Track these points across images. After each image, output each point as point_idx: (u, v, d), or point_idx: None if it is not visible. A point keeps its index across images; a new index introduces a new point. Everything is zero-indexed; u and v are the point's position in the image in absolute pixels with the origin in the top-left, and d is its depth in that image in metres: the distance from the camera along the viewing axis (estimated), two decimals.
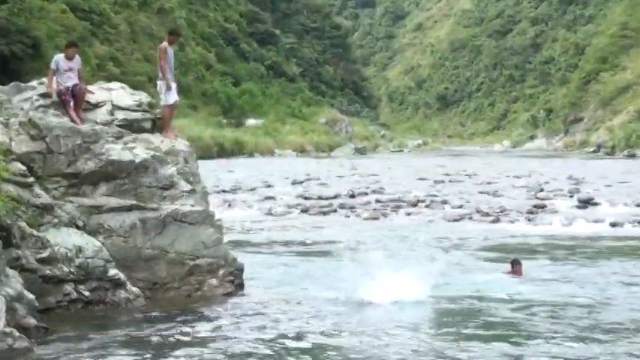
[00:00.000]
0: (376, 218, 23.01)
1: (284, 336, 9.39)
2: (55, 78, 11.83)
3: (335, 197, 27.08)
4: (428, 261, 11.92)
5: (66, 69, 11.86)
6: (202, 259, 11.61)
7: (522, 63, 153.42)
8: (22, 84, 12.26)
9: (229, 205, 25.20)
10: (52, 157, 11.16)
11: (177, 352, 8.66)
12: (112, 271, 10.69)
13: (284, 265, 14.89)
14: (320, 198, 26.98)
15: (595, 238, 18.73)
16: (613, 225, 20.54)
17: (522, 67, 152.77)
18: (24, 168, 10.61)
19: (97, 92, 12.36)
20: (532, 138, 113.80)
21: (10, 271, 9.09)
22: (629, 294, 12.05)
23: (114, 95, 12.44)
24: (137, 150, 11.70)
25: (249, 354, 8.63)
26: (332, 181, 33.91)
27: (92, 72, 47.89)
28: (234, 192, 29.17)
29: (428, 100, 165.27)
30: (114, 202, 11.34)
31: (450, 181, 33.41)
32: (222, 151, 60.45)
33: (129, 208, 11.35)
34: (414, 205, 24.90)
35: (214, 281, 11.65)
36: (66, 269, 10.25)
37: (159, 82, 12.86)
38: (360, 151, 78.85)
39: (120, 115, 12.10)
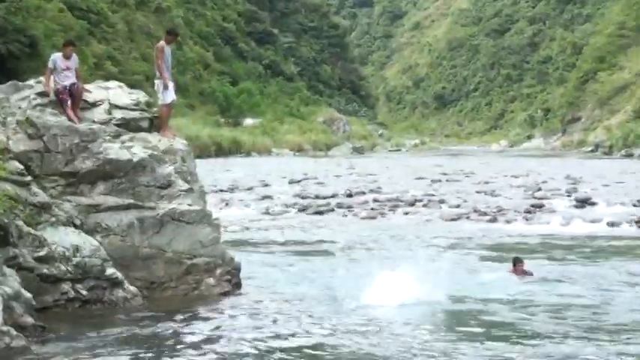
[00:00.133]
0: (374, 218, 23.00)
1: (281, 335, 9.39)
2: (52, 77, 11.84)
3: (332, 196, 27.04)
4: (426, 260, 11.93)
5: (63, 68, 11.87)
6: (200, 259, 11.61)
7: (520, 62, 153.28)
8: (20, 83, 12.27)
9: (227, 205, 25.19)
10: (50, 155, 11.17)
11: (175, 351, 8.67)
12: (110, 270, 10.69)
13: (281, 264, 14.88)
14: (317, 197, 26.94)
15: (592, 238, 18.75)
16: (610, 224, 20.56)
17: (520, 67, 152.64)
18: (21, 167, 10.61)
19: (94, 91, 12.37)
20: (529, 137, 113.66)
21: (8, 270, 9.10)
22: (627, 293, 12.07)
23: (111, 94, 12.45)
24: (135, 149, 11.71)
25: (246, 353, 8.63)
26: (329, 181, 33.85)
27: (90, 71, 47.76)
28: (232, 191, 29.15)
29: (425, 100, 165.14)
30: (111, 201, 11.34)
31: (447, 181, 33.36)
32: (220, 151, 60.41)
33: (126, 207, 11.35)
34: (412, 204, 24.88)
35: (211, 280, 11.66)
36: (63, 268, 10.25)
37: (156, 81, 12.87)
38: (358, 151, 78.72)
39: (117, 114, 12.11)
